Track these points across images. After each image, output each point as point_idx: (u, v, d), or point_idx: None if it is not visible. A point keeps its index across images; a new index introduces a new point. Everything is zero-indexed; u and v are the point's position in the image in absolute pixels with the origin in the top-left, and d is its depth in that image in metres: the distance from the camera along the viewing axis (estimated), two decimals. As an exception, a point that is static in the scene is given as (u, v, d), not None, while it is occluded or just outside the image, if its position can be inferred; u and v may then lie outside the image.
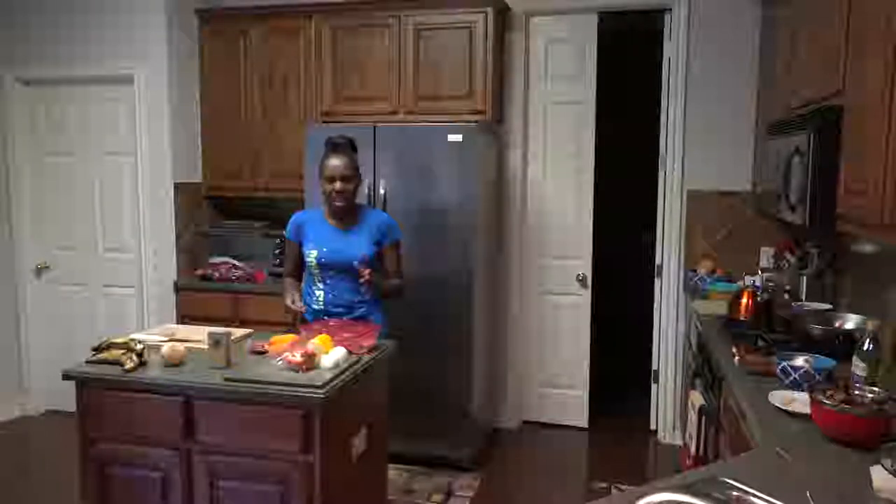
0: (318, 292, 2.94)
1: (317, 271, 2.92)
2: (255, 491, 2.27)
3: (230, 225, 4.48)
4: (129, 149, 4.25)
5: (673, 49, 3.99)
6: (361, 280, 2.74)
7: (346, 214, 2.92)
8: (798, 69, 2.74)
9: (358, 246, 2.87)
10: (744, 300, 3.00)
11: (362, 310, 2.90)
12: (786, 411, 1.93)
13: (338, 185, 2.82)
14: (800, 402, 1.96)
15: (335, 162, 2.83)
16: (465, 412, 3.68)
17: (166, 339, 2.67)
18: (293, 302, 2.87)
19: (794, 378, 2.10)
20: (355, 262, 2.77)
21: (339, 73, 4.07)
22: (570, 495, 3.55)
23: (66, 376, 2.41)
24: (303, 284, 3.02)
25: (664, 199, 4.10)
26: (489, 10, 3.81)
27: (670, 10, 3.98)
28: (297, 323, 3.02)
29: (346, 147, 2.90)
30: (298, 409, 2.19)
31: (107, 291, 4.42)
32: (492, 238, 4.09)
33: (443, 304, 3.61)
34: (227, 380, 2.27)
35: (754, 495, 1.39)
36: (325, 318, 2.84)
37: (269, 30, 4.18)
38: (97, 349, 2.49)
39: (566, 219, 4.23)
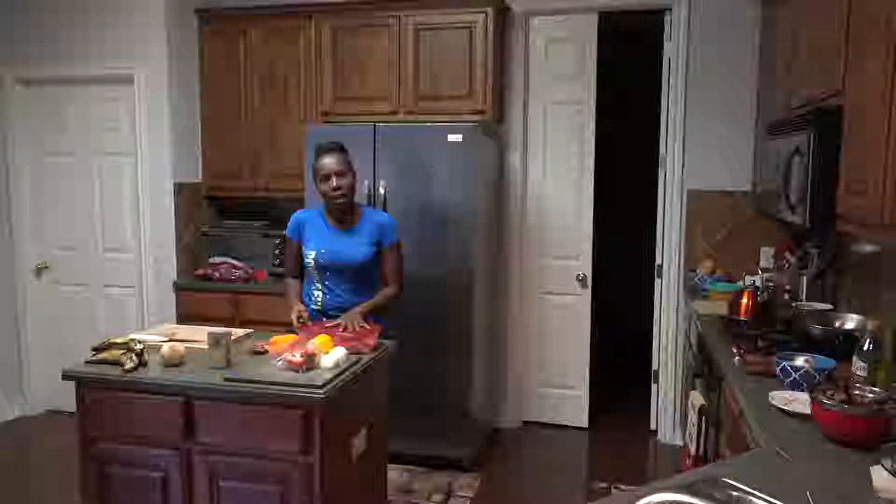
0: (316, 293, 2.94)
1: (315, 273, 2.91)
2: (255, 491, 2.27)
3: (230, 225, 4.48)
4: (129, 149, 4.25)
5: (673, 49, 3.99)
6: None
7: (346, 214, 2.91)
8: (798, 69, 2.74)
9: (356, 247, 2.87)
10: (744, 300, 3.00)
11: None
12: (786, 411, 1.93)
13: (334, 181, 2.81)
14: (800, 402, 1.96)
15: (327, 160, 2.83)
16: (465, 412, 3.68)
17: (166, 339, 2.67)
18: (299, 317, 2.80)
19: (794, 378, 2.10)
20: (336, 323, 2.71)
21: (339, 73, 4.06)
22: (570, 495, 3.55)
23: (66, 376, 2.41)
24: (303, 284, 3.02)
25: (664, 199, 4.10)
26: (489, 10, 3.81)
27: (670, 10, 3.98)
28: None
29: (337, 147, 2.90)
30: (298, 409, 2.19)
31: (107, 291, 4.42)
32: (492, 238, 4.09)
33: (443, 304, 3.61)
34: (227, 380, 2.27)
35: (754, 495, 1.39)
36: (324, 319, 2.84)
37: (269, 30, 4.18)
38: (97, 349, 2.49)
39: (566, 219, 4.23)
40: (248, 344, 2.65)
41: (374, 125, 3.68)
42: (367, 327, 2.70)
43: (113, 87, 4.24)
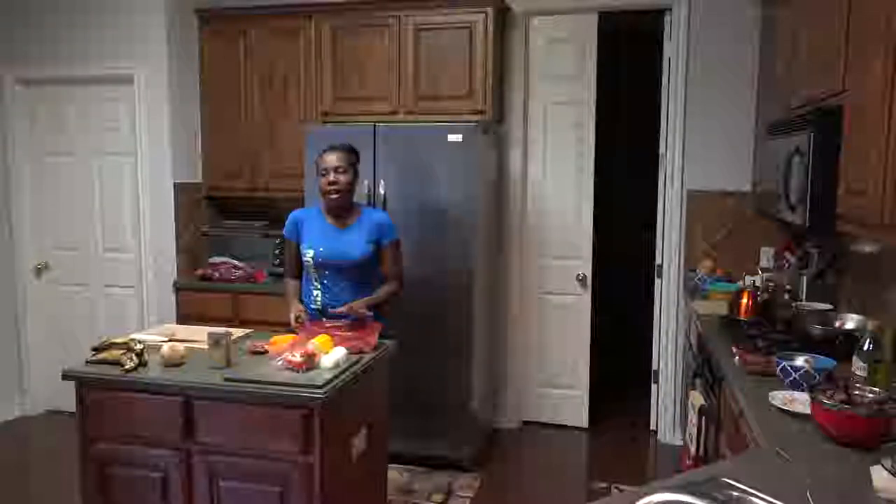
0: (315, 292, 2.94)
1: (314, 271, 2.91)
2: (255, 491, 2.27)
3: (230, 225, 4.48)
4: (129, 149, 4.25)
5: (673, 49, 3.99)
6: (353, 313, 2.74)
7: (344, 212, 2.91)
8: (798, 69, 2.74)
9: (355, 245, 2.87)
10: (744, 300, 3.00)
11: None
12: (786, 411, 1.93)
13: (331, 176, 2.82)
14: (800, 402, 1.96)
15: (329, 156, 2.86)
16: (465, 412, 3.67)
17: (166, 339, 2.67)
18: (297, 318, 2.81)
19: (794, 378, 2.10)
20: (340, 310, 2.76)
21: (339, 73, 4.06)
22: (570, 495, 3.55)
23: (66, 376, 2.41)
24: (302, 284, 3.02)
25: (664, 199, 4.10)
26: (489, 10, 3.80)
27: (670, 10, 3.98)
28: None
29: (345, 147, 2.92)
30: (298, 409, 2.19)
31: (107, 291, 4.42)
32: (492, 238, 4.09)
33: (443, 304, 3.61)
34: (227, 380, 2.27)
35: (754, 495, 1.39)
36: (323, 319, 2.84)
37: (269, 30, 4.18)
38: (97, 349, 2.50)
39: (566, 219, 4.23)
40: (248, 344, 2.65)
41: (374, 125, 3.67)
42: (370, 314, 2.71)
43: (113, 87, 4.23)
